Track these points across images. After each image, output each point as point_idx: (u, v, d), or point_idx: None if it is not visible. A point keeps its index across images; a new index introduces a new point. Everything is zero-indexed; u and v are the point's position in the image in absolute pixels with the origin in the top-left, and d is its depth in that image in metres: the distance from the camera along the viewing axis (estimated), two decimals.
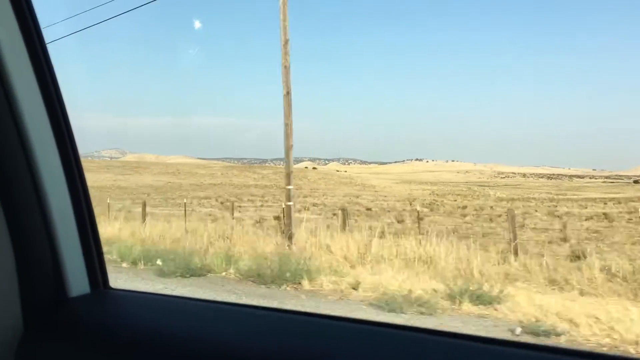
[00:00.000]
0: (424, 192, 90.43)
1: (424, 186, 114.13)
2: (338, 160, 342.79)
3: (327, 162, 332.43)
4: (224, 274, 8.46)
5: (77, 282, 1.12)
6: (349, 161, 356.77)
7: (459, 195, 77.57)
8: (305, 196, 61.24)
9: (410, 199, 61.24)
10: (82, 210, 1.14)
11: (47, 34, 0.82)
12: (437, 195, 76.68)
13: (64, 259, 1.09)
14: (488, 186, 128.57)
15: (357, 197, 64.72)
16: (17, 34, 1.00)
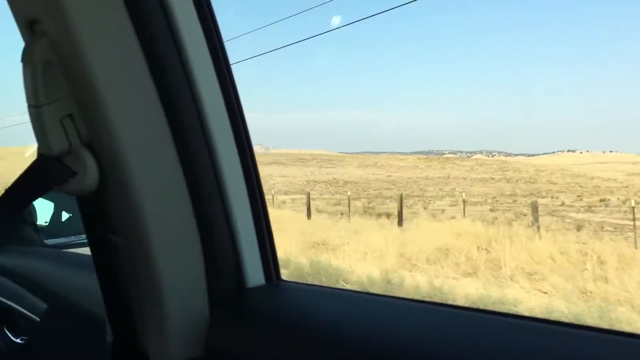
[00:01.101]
0: None
1: None
2: (481, 152, 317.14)
3: (469, 154, 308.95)
4: None
5: (254, 273, 1.17)
6: (493, 153, 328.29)
7: None
8: None
9: None
10: (257, 204, 1.17)
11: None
12: None
13: (243, 252, 1.14)
14: None
15: None
16: (202, 39, 1.05)
